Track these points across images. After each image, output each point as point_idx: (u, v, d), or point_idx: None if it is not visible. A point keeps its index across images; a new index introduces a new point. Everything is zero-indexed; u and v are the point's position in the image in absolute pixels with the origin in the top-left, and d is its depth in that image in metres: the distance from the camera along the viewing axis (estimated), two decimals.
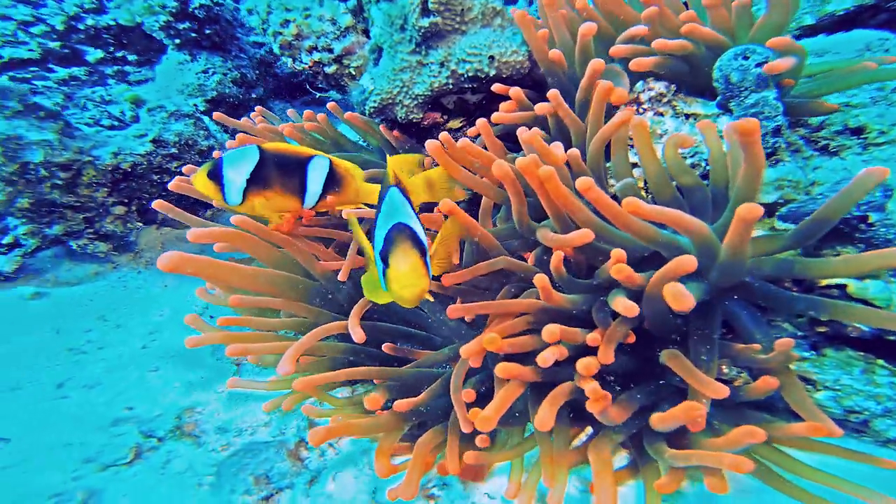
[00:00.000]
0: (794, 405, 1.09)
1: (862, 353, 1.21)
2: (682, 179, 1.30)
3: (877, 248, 1.24)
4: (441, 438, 1.37)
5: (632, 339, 1.17)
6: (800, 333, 1.25)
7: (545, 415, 1.02)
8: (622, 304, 1.01)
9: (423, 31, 1.56)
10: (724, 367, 1.21)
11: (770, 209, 1.40)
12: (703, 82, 1.60)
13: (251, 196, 1.29)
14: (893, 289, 1.22)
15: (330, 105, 2.02)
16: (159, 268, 1.09)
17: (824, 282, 1.20)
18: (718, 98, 1.57)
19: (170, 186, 1.71)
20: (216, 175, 1.28)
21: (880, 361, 1.19)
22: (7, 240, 2.62)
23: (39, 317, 2.52)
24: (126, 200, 2.72)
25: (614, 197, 1.31)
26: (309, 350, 1.48)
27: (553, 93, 1.39)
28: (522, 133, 1.31)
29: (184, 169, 1.86)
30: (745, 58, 1.44)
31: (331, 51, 1.86)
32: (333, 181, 1.33)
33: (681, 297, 0.88)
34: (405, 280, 0.97)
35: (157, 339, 2.40)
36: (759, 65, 1.43)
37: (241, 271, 1.43)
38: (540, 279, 1.11)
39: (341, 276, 1.51)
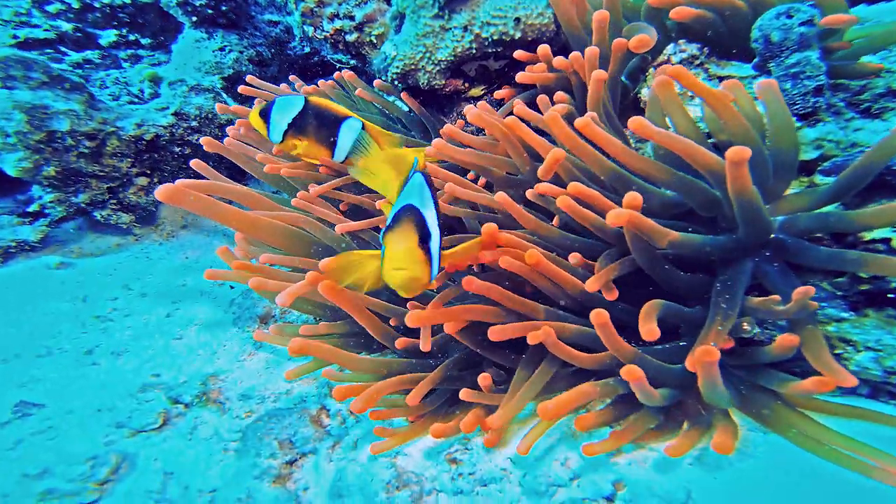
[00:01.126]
0: (810, 359, 1.04)
1: None
2: (720, 137, 1.25)
3: None
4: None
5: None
6: (839, 293, 1.21)
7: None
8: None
9: None
10: (745, 324, 1.17)
11: (810, 167, 1.36)
12: (736, 45, 1.54)
13: (289, 138, 1.51)
14: None
15: (346, 74, 2.00)
16: (157, 197, 1.12)
17: (867, 236, 1.16)
18: (755, 59, 1.51)
19: (202, 141, 1.80)
20: (265, 114, 1.50)
21: None
22: (32, 208, 2.66)
23: (66, 285, 2.57)
24: (149, 171, 2.74)
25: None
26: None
27: (575, 55, 1.36)
28: (542, 101, 1.28)
29: (201, 140, 1.87)
30: (789, 16, 1.39)
31: (352, 18, 1.83)
32: (363, 143, 1.42)
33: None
34: (396, 262, 0.92)
35: (181, 308, 2.44)
36: (803, 24, 1.38)
37: (242, 216, 1.46)
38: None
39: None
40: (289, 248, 1.61)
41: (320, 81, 2.15)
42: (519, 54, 1.61)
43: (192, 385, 2.01)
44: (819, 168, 1.27)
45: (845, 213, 1.08)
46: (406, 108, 1.91)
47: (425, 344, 1.29)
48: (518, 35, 1.58)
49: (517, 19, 1.55)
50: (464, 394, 1.27)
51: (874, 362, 1.16)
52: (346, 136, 1.47)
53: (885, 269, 1.03)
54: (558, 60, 1.39)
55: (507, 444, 1.48)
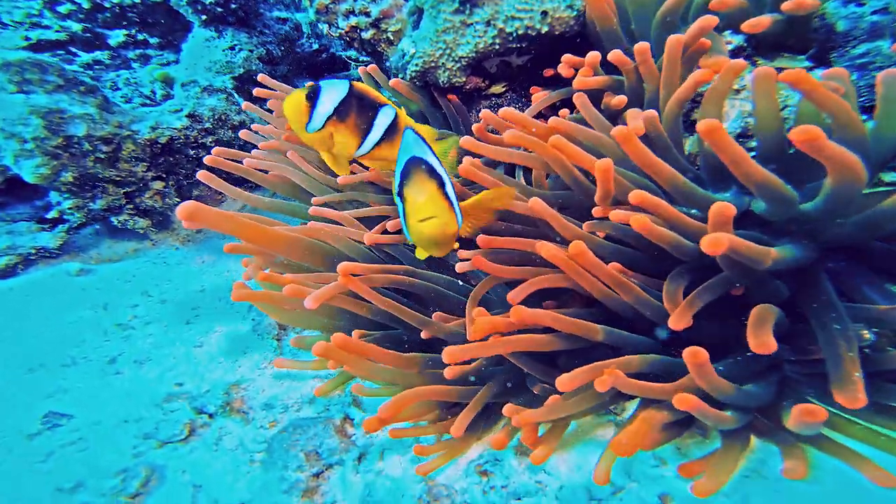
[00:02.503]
0: None
1: None
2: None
3: None
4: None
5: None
6: None
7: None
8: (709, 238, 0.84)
9: None
10: (865, 333, 1.08)
11: None
12: (785, 35, 1.44)
13: (329, 124, 1.37)
14: None
15: (371, 68, 1.93)
16: (177, 216, 1.08)
17: None
18: (812, 50, 1.42)
19: (206, 160, 1.72)
20: (314, 96, 1.36)
21: None
22: (52, 214, 2.65)
23: (86, 292, 2.57)
24: (164, 175, 2.71)
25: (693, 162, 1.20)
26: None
27: (641, 46, 1.26)
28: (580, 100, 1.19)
29: (213, 150, 1.83)
30: (860, 4, 1.30)
31: (368, 14, 1.76)
32: (393, 131, 1.35)
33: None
34: (423, 212, 0.89)
35: (200, 315, 2.42)
36: (875, 12, 1.29)
37: (264, 231, 1.40)
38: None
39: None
40: (310, 261, 1.55)
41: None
42: (567, 59, 1.49)
43: (215, 394, 2.00)
44: (889, 164, 1.18)
45: None
46: (425, 104, 1.84)
47: (451, 371, 1.21)
48: (545, 29, 1.50)
49: (544, 12, 1.47)
50: (508, 409, 1.18)
51: None
52: (380, 124, 1.35)
53: None
54: (615, 55, 1.28)
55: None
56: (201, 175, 1.57)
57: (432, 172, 0.92)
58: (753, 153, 1.31)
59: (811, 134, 0.71)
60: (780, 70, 1.47)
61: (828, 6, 1.28)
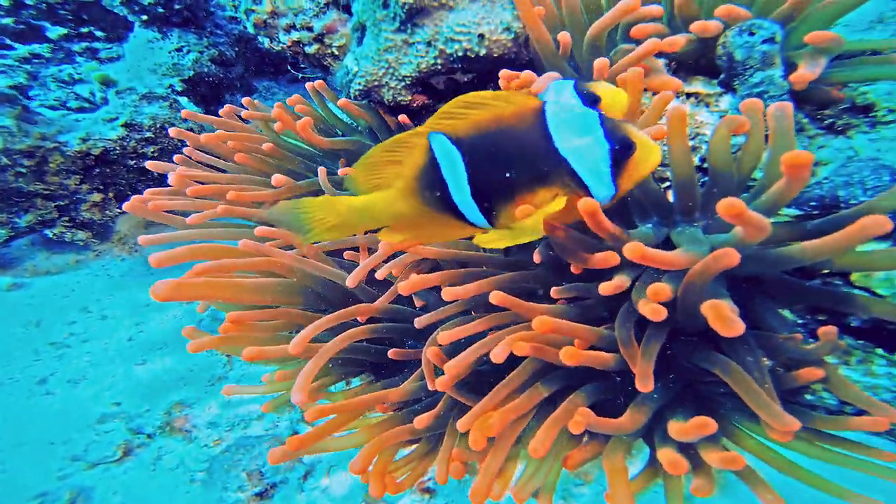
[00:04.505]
0: (849, 398, 1.05)
1: (861, 342, 1.19)
2: (718, 161, 1.19)
3: None
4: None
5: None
6: (800, 321, 1.22)
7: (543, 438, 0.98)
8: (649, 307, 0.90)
9: (406, 7, 1.46)
10: (764, 360, 1.16)
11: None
12: (704, 59, 1.52)
13: None
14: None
15: (318, 84, 1.91)
16: (152, 296, 1.02)
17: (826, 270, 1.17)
18: (721, 76, 1.49)
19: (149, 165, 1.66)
20: None
21: (879, 350, 1.17)
22: None
23: (18, 308, 2.44)
24: (101, 187, 2.60)
25: None
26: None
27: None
28: None
29: (175, 158, 1.77)
30: (751, 34, 1.36)
31: (310, 29, 1.74)
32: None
33: (729, 322, 0.82)
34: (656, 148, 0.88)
35: (145, 331, 2.35)
36: (765, 41, 1.36)
37: (245, 286, 1.36)
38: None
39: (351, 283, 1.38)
40: (278, 302, 1.49)
41: (286, 100, 2.00)
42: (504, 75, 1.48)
43: (155, 413, 1.94)
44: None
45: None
46: (375, 122, 1.84)
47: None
48: (483, 52, 1.52)
49: (481, 35, 1.49)
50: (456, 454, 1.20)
51: (830, 391, 1.17)
52: None
53: (886, 313, 1.03)
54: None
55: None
56: (128, 207, 1.50)
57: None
58: (667, 184, 1.37)
59: (737, 208, 0.75)
60: (691, 95, 1.56)
61: (728, 34, 1.33)
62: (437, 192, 0.91)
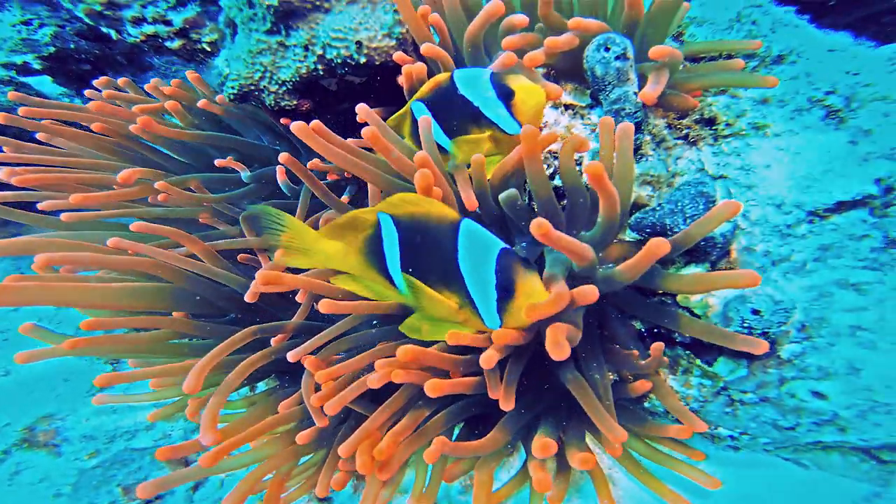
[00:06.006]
0: (668, 408, 1.23)
1: (688, 353, 1.36)
2: (567, 181, 1.28)
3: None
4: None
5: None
6: (644, 331, 1.37)
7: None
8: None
9: (274, 9, 1.38)
10: (610, 374, 1.30)
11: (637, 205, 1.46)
12: (578, 69, 1.57)
13: None
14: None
15: (192, 76, 1.78)
16: None
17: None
18: (590, 92, 1.56)
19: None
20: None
21: (698, 361, 1.35)
22: None
23: None
24: None
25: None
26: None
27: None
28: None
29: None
30: (607, 49, 1.38)
31: (169, 23, 1.60)
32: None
33: (559, 348, 0.92)
34: (535, 297, 0.98)
35: (10, 339, 2.15)
36: (618, 57, 1.38)
37: (87, 290, 1.28)
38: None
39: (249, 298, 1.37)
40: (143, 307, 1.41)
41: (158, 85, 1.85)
42: (398, 56, 1.49)
43: (15, 428, 1.80)
44: (627, 223, 1.37)
45: (670, 274, 1.20)
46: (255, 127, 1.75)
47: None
48: (363, 60, 1.49)
49: (359, 43, 1.46)
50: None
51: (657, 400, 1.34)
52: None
53: (704, 334, 1.18)
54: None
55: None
56: None
57: (530, 264, 1.01)
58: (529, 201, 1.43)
59: (543, 228, 0.83)
60: (569, 107, 1.62)
61: (588, 48, 1.36)
62: (377, 257, 1.16)
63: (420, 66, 1.42)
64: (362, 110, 1.30)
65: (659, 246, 0.92)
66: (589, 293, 0.94)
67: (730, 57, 1.63)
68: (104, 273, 1.51)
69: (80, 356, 1.53)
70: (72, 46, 2.62)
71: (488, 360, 1.01)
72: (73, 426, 1.81)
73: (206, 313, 1.54)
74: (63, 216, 1.48)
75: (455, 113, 1.27)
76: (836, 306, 1.32)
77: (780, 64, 1.70)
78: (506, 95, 1.22)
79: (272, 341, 1.42)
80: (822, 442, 1.36)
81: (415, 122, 1.35)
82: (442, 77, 1.33)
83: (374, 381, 1.09)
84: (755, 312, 1.23)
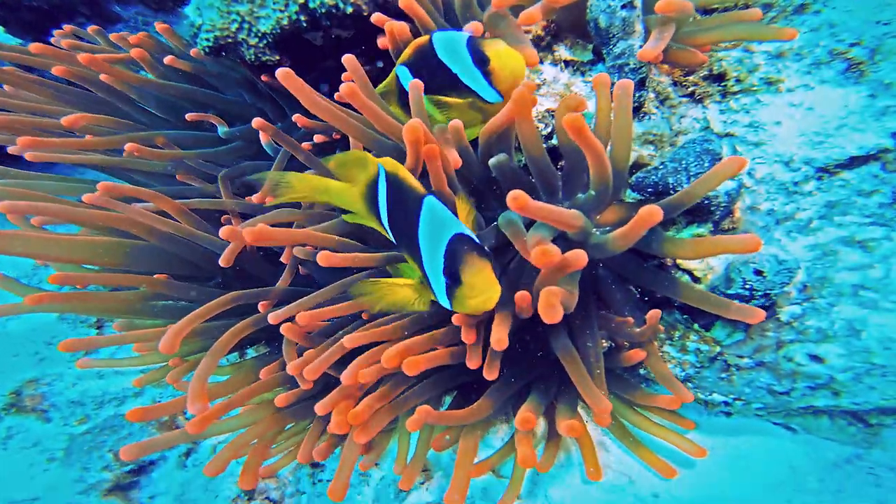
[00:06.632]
0: (658, 377, 1.20)
1: (686, 317, 1.32)
2: (564, 141, 1.21)
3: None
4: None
5: None
6: (645, 298, 1.33)
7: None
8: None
9: None
10: (603, 342, 1.27)
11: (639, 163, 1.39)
12: (573, 24, 1.47)
13: None
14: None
15: (161, 27, 1.67)
16: None
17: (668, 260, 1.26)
18: (592, 46, 1.47)
19: None
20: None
21: (696, 326, 1.31)
22: None
23: None
24: None
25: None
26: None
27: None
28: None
29: None
30: None
31: None
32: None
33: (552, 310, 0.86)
34: (484, 292, 0.95)
35: None
36: (624, 6, 1.28)
37: (51, 241, 1.22)
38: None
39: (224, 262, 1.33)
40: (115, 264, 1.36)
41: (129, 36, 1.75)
42: (376, 18, 1.39)
43: (0, 392, 1.77)
44: (629, 181, 1.30)
45: (667, 237, 1.14)
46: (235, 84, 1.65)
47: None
48: (350, 9, 1.39)
49: None
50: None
51: None
52: None
53: (700, 302, 1.13)
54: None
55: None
56: None
57: (483, 252, 0.96)
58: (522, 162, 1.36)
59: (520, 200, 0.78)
60: (570, 63, 1.53)
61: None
62: (374, 205, 1.17)
63: (401, 25, 1.32)
64: (349, 62, 1.22)
65: (651, 214, 0.87)
66: (574, 259, 0.88)
67: (746, 6, 1.52)
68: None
69: (54, 313, 1.48)
70: None
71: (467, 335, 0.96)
72: (60, 391, 1.79)
73: (189, 275, 1.49)
74: (27, 155, 1.39)
75: (436, 78, 1.21)
76: (840, 265, 1.29)
77: (803, 13, 1.58)
78: (482, 62, 1.16)
79: (259, 307, 1.37)
80: (814, 406, 1.34)
81: (402, 89, 1.29)
82: (422, 40, 1.26)
83: (349, 341, 1.06)
84: (758, 273, 1.19)
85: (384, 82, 1.40)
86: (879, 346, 1.21)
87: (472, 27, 1.32)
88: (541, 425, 1.42)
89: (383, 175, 1.12)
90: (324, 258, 1.14)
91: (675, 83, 1.60)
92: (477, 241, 0.99)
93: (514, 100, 1.03)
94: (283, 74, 1.13)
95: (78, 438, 1.63)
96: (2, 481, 1.54)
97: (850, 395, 1.27)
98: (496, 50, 1.15)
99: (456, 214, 1.07)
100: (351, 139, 1.33)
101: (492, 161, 1.20)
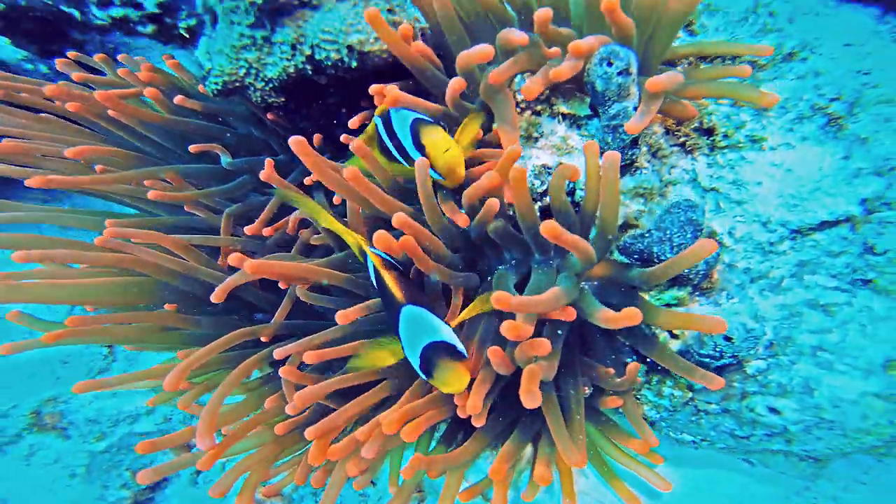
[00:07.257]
0: (632, 423, 1.34)
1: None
2: (556, 207, 1.29)
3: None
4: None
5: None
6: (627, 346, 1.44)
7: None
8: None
9: (257, 5, 1.29)
10: (585, 388, 1.39)
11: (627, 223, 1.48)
12: (582, 77, 1.51)
13: None
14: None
15: (171, 63, 1.68)
16: None
17: None
18: (589, 101, 1.52)
19: None
20: None
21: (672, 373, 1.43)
22: None
23: None
24: None
25: None
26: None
27: None
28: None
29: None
30: (610, 63, 1.33)
31: (139, 6, 1.48)
32: None
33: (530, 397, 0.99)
34: (452, 388, 1.11)
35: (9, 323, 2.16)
36: (620, 73, 1.33)
37: (63, 287, 1.30)
38: None
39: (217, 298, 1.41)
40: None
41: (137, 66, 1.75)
42: (374, 89, 1.41)
43: (22, 411, 1.87)
44: (617, 245, 1.39)
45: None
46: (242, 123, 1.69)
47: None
48: (355, 64, 1.42)
49: (350, 47, 1.37)
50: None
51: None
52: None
53: (671, 364, 1.25)
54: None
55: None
56: None
57: (454, 354, 1.11)
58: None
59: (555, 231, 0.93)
60: (567, 117, 1.58)
61: (591, 61, 1.32)
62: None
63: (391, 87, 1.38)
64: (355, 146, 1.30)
65: (632, 318, 1.01)
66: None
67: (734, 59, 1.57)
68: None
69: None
70: (32, 4, 2.35)
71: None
72: (76, 409, 1.88)
73: (194, 306, 1.57)
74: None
75: (393, 140, 1.34)
76: (804, 327, 1.40)
77: (791, 61, 1.63)
78: (420, 147, 1.24)
79: (262, 338, 1.47)
80: (770, 450, 1.49)
81: (380, 136, 1.40)
82: (386, 104, 1.35)
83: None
84: (727, 339, 1.30)
85: (367, 128, 1.47)
86: (829, 403, 1.34)
87: (455, 84, 1.30)
88: (528, 450, 1.55)
89: (372, 268, 1.27)
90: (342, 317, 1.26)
91: (667, 131, 1.65)
92: (451, 341, 1.12)
93: (511, 185, 1.11)
94: (296, 143, 1.18)
95: (98, 457, 1.74)
96: (28, 496, 1.65)
97: (800, 443, 1.41)
98: (432, 140, 1.22)
99: (436, 313, 1.21)
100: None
101: (490, 227, 1.28)
